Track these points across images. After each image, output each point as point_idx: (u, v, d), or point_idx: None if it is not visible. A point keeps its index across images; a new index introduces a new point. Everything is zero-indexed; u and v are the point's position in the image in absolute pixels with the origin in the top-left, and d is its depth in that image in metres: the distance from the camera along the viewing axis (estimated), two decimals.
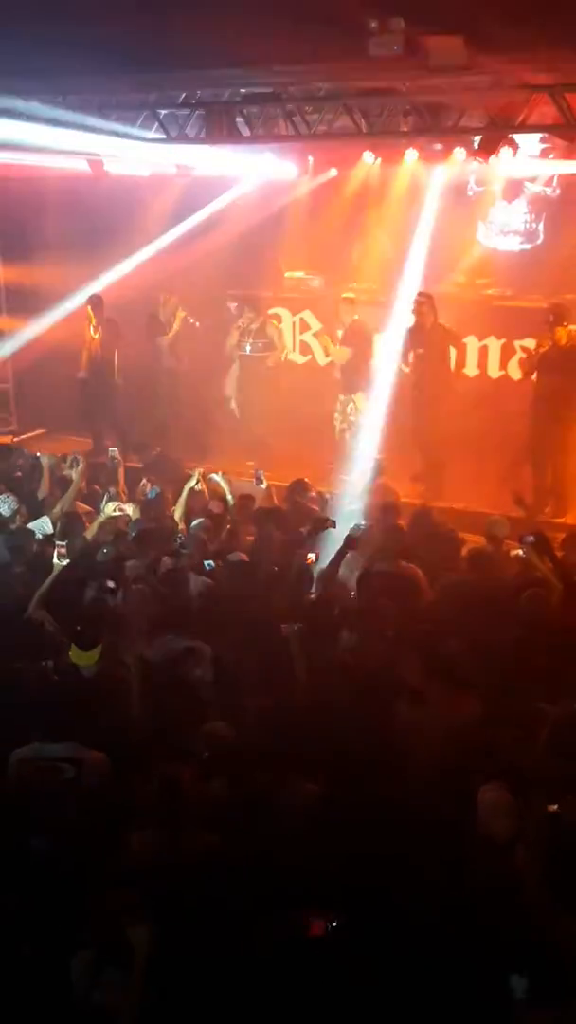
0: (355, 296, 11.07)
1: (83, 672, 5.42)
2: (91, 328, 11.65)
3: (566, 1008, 3.13)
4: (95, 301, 11.59)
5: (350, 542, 6.55)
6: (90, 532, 7.50)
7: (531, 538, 6.47)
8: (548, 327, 9.82)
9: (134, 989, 3.21)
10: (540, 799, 3.99)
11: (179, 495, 8.37)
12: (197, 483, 8.36)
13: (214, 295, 12.03)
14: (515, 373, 10.89)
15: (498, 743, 4.65)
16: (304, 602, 6.28)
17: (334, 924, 3.29)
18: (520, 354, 10.70)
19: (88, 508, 8.37)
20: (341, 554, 6.57)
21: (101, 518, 7.60)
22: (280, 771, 4.35)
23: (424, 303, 10.36)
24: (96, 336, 11.65)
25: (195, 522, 7.82)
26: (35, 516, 8.12)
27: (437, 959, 3.36)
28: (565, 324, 9.76)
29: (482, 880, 3.80)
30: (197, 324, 11.87)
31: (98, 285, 11.86)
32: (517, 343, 10.63)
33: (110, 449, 9.93)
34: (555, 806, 3.88)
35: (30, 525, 7.88)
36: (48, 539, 7.57)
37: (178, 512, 8.12)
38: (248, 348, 11.64)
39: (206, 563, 6.86)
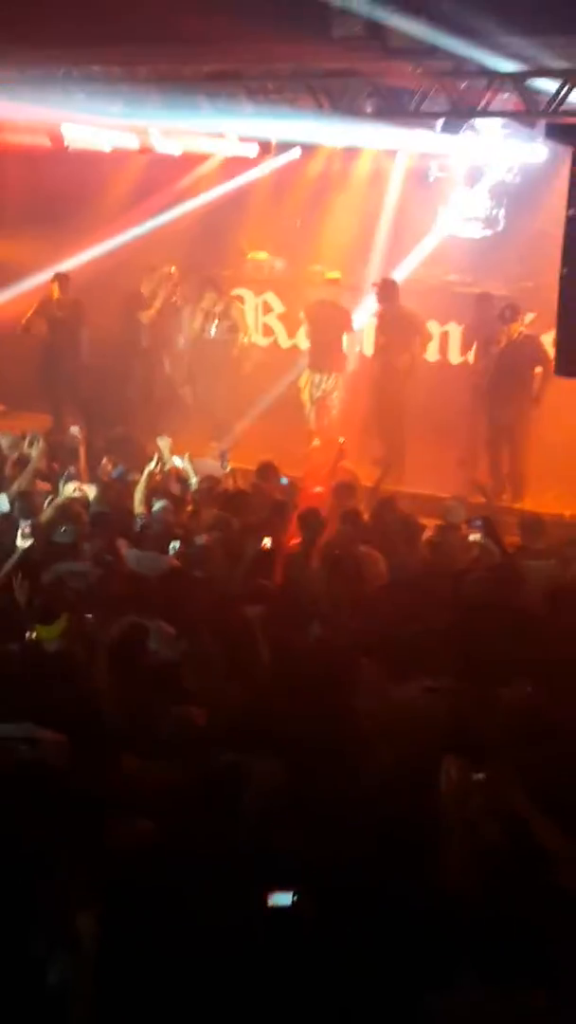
0: (339, 277, 10.93)
1: (46, 647, 5.41)
2: (53, 306, 11.43)
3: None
4: (62, 279, 11.37)
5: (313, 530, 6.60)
6: (45, 514, 7.45)
7: (479, 521, 6.58)
8: (503, 322, 9.91)
9: (84, 974, 3.21)
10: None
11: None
12: (157, 465, 8.34)
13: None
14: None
15: (459, 726, 4.72)
16: (264, 586, 6.29)
17: (296, 898, 3.33)
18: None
19: (47, 486, 8.31)
20: (308, 541, 6.61)
21: (59, 498, 7.55)
22: (244, 752, 4.38)
23: (385, 288, 10.38)
24: (60, 315, 11.42)
25: (157, 504, 7.80)
26: None
27: (400, 941, 3.42)
28: (519, 319, 9.84)
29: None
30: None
31: (58, 263, 11.70)
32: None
33: (71, 428, 9.84)
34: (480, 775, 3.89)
35: None
36: (5, 517, 7.50)
37: (138, 495, 8.10)
38: (212, 331, 11.50)
39: (171, 544, 6.86)
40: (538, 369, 9.87)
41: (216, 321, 11.44)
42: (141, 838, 3.89)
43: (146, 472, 8.23)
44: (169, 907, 3.48)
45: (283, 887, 3.35)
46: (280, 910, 3.27)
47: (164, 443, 8.69)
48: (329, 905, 3.42)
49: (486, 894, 3.48)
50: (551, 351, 9.68)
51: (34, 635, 5.51)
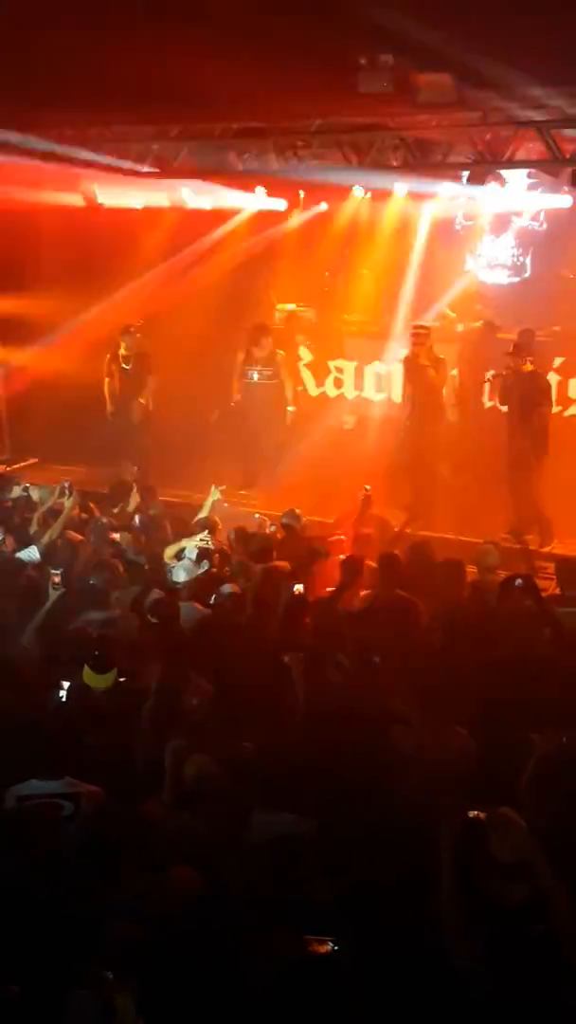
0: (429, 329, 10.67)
1: (92, 694, 5.43)
2: (120, 360, 11.52)
3: None
4: (128, 333, 11.45)
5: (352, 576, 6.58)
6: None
7: (519, 581, 6.50)
8: (511, 357, 9.93)
9: None
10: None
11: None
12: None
13: (206, 328, 12.07)
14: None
15: (489, 773, 4.65)
16: (298, 632, 6.25)
17: (335, 947, 3.28)
18: None
19: (79, 536, 8.33)
20: (342, 586, 6.58)
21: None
22: (277, 801, 4.34)
23: (421, 335, 10.41)
24: (127, 367, 11.51)
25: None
26: (24, 546, 8.08)
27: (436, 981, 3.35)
28: (524, 356, 9.89)
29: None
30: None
31: (89, 318, 11.89)
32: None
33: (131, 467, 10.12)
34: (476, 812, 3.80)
35: (18, 554, 7.86)
36: (38, 567, 7.53)
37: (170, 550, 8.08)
38: (255, 376, 11.51)
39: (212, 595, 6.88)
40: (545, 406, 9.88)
41: (259, 367, 11.44)
42: (188, 886, 3.86)
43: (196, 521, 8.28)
44: (214, 956, 3.43)
45: (319, 935, 3.31)
46: (320, 957, 3.23)
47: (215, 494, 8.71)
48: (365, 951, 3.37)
49: (490, 959, 3.36)
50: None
51: (78, 682, 5.52)
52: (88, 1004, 3.13)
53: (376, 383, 11.68)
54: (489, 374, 10.81)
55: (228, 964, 3.43)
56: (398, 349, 11.00)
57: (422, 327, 10.47)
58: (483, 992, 3.26)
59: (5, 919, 3.75)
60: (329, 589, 6.76)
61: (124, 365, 11.51)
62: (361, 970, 3.26)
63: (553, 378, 10.44)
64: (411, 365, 10.46)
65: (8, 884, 3.93)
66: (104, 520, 8.60)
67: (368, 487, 8.52)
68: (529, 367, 9.83)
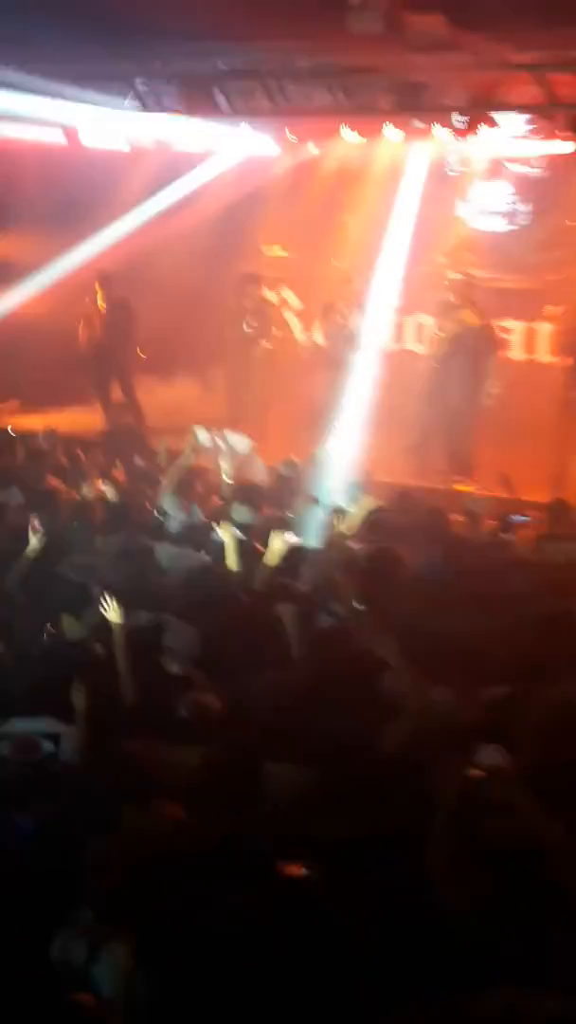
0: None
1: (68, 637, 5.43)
2: (98, 306, 11.35)
3: None
4: (104, 283, 11.29)
5: None
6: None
7: (519, 518, 6.52)
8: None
9: (119, 998, 3.15)
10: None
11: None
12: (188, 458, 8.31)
13: (193, 272, 11.91)
14: None
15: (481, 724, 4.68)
16: (289, 584, 6.23)
17: (308, 870, 3.33)
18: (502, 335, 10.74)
19: (61, 484, 8.26)
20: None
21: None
22: (271, 745, 4.36)
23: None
24: (108, 314, 11.32)
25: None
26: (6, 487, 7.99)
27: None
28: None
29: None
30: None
31: (74, 260, 11.70)
32: (495, 323, 10.60)
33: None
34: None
35: None
36: (17, 511, 7.43)
37: (169, 487, 8.01)
38: (245, 328, 11.32)
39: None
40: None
41: (249, 317, 11.28)
42: (172, 820, 3.87)
43: (175, 465, 8.18)
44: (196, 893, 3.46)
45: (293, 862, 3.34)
46: (292, 882, 3.26)
47: (202, 435, 8.61)
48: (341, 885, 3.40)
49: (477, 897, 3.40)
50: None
51: (54, 627, 5.50)
52: (73, 945, 3.15)
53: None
54: None
55: (209, 900, 3.46)
56: (390, 297, 10.89)
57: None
58: (471, 934, 3.29)
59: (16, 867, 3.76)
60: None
61: (104, 312, 11.34)
62: (341, 897, 3.30)
63: (546, 327, 10.38)
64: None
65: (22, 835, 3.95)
66: (87, 467, 8.55)
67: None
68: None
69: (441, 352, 10.14)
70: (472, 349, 9.89)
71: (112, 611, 5.17)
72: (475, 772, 3.70)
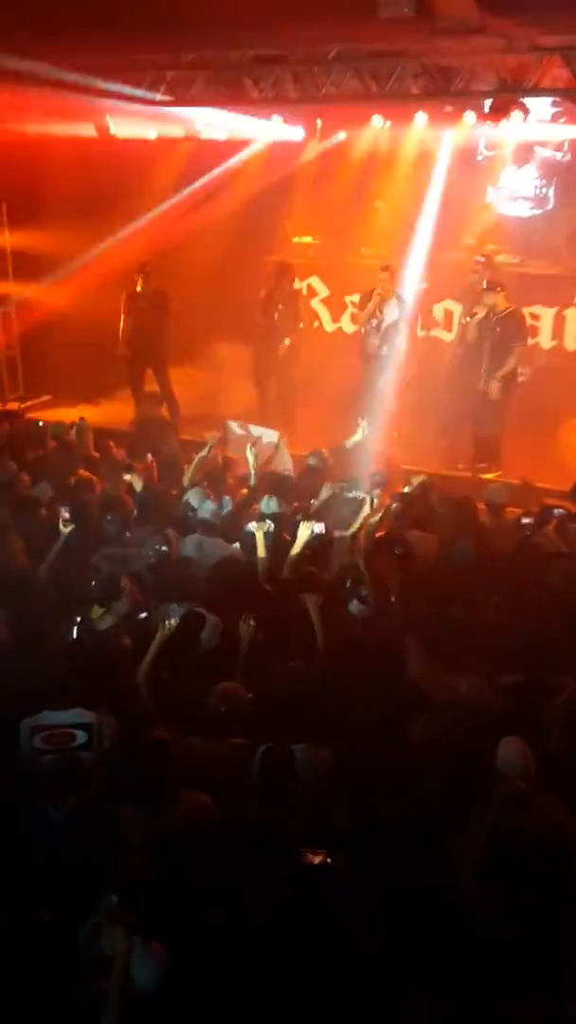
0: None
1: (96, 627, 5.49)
2: (136, 298, 11.33)
3: None
4: (146, 270, 11.29)
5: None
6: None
7: (559, 511, 6.50)
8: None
9: (115, 983, 3.21)
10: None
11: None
12: (209, 450, 8.36)
13: (221, 261, 11.91)
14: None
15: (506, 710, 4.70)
16: (315, 573, 6.26)
17: (329, 858, 3.39)
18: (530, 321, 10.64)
19: (91, 475, 8.33)
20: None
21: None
22: (296, 734, 4.40)
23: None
24: (145, 305, 11.33)
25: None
26: (37, 482, 8.09)
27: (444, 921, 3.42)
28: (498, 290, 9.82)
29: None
30: None
31: (105, 252, 11.74)
32: (525, 309, 10.52)
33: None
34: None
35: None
36: (49, 504, 7.52)
37: (187, 479, 8.10)
38: (276, 316, 11.24)
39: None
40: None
41: (280, 307, 11.23)
42: (201, 810, 3.93)
43: (197, 457, 8.24)
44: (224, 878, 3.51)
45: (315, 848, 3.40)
46: (312, 866, 3.32)
47: (232, 427, 8.64)
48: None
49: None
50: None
51: (85, 617, 5.58)
52: (99, 931, 3.21)
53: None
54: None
55: (236, 885, 3.51)
56: (420, 284, 10.83)
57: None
58: (490, 932, 3.31)
59: (29, 850, 3.84)
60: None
61: (141, 304, 11.37)
62: (361, 886, 3.33)
63: (573, 314, 10.26)
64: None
65: (31, 816, 4.02)
66: (117, 459, 8.62)
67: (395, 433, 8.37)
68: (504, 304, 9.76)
69: (469, 338, 10.08)
70: (500, 334, 9.80)
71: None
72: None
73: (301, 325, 11.47)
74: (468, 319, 10.18)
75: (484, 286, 9.93)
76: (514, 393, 9.94)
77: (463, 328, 10.38)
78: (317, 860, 3.41)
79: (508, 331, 9.80)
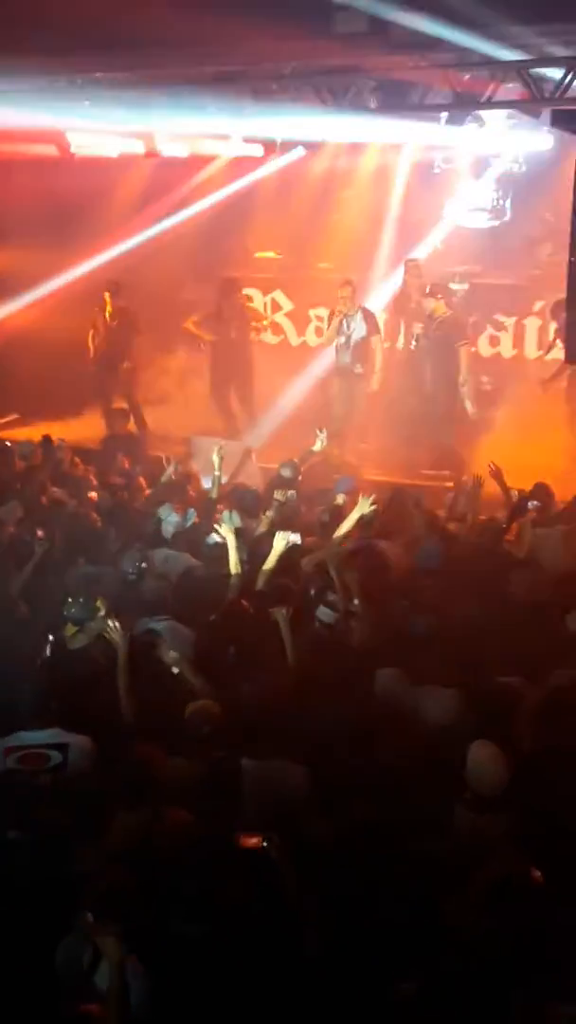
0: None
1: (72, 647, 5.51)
2: (105, 315, 11.41)
3: None
4: (114, 289, 11.35)
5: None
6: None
7: (533, 503, 6.59)
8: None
9: (113, 994, 3.21)
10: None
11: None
12: (175, 468, 8.40)
13: (183, 278, 11.97)
14: (484, 350, 10.98)
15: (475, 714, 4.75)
16: (284, 585, 6.28)
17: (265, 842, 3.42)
18: (489, 330, 10.79)
19: (60, 494, 8.30)
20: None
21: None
22: (271, 748, 4.43)
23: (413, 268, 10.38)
24: (113, 324, 11.40)
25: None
26: (5, 502, 8.06)
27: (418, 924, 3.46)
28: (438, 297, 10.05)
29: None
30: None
31: (68, 269, 11.75)
32: (463, 314, 10.63)
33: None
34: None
35: None
36: (20, 523, 7.50)
37: (153, 494, 8.11)
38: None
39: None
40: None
41: (235, 322, 11.27)
42: (182, 827, 3.94)
43: (164, 476, 8.28)
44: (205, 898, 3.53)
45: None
46: (251, 852, 3.35)
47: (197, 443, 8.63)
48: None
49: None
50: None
51: (58, 637, 5.58)
52: (76, 949, 3.21)
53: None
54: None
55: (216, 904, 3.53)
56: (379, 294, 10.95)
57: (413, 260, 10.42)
58: (481, 952, 3.35)
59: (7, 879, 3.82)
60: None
61: (110, 322, 11.38)
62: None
63: (533, 323, 10.41)
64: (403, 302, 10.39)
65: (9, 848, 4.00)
66: (84, 477, 8.62)
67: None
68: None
69: (418, 347, 10.22)
70: (441, 337, 9.92)
71: (114, 632, 5.23)
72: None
73: (261, 333, 11.50)
74: (415, 328, 10.33)
75: (427, 291, 10.06)
76: (474, 401, 10.08)
77: (410, 337, 10.53)
78: (252, 842, 3.45)
79: (449, 333, 9.95)
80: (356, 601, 5.81)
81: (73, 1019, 3.21)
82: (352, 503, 7.13)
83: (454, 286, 10.92)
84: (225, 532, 6.40)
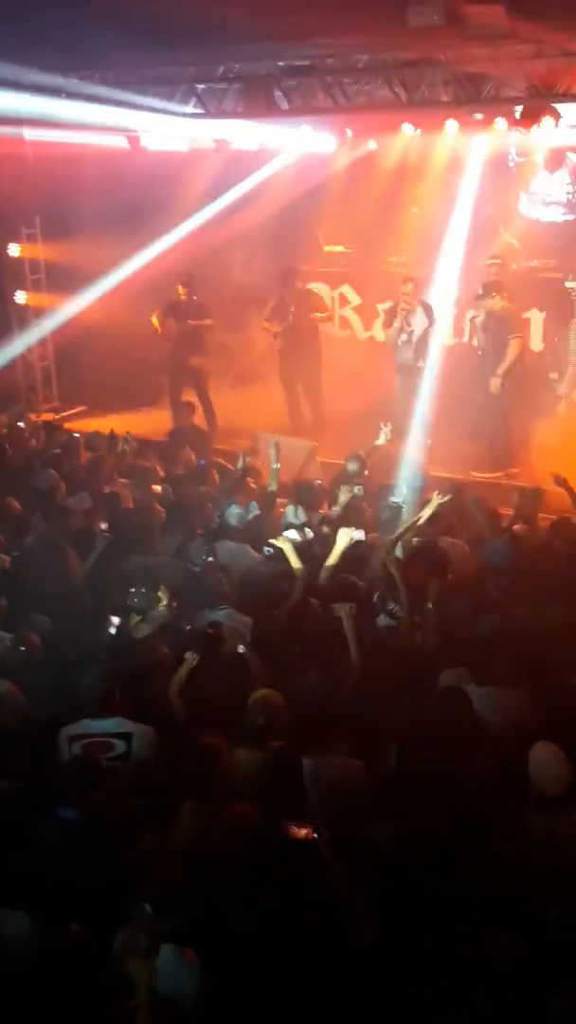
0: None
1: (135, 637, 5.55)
2: (177, 305, 11.36)
3: None
4: (187, 280, 11.32)
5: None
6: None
7: None
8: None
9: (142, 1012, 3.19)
10: None
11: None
12: (244, 461, 8.40)
13: (254, 271, 11.97)
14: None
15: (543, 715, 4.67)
16: (348, 581, 6.24)
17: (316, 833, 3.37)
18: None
19: (126, 486, 8.37)
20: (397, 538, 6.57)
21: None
22: (330, 742, 4.39)
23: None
24: (186, 316, 11.32)
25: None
26: (73, 492, 8.17)
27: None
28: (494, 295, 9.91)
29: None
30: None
31: (137, 262, 11.82)
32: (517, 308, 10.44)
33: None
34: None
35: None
36: (87, 513, 7.60)
37: (220, 489, 8.12)
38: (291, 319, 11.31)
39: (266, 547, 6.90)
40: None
41: (293, 309, 11.23)
42: (244, 821, 3.93)
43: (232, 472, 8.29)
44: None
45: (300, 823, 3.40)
46: (298, 842, 3.31)
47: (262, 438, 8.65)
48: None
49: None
50: None
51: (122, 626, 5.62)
52: (134, 940, 3.20)
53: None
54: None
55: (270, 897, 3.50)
56: (450, 290, 10.82)
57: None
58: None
59: (64, 861, 3.83)
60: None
61: (181, 313, 11.36)
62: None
63: None
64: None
65: (66, 827, 4.02)
66: (149, 469, 8.68)
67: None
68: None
69: (480, 342, 10.10)
70: (497, 332, 9.86)
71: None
72: None
73: (318, 315, 11.42)
74: (475, 322, 10.25)
75: (480, 292, 9.95)
76: (522, 394, 9.91)
77: (473, 332, 10.46)
78: (302, 834, 3.40)
79: (504, 327, 9.87)
80: (429, 605, 5.74)
81: (121, 1015, 3.19)
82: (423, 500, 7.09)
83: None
84: (281, 543, 6.40)
